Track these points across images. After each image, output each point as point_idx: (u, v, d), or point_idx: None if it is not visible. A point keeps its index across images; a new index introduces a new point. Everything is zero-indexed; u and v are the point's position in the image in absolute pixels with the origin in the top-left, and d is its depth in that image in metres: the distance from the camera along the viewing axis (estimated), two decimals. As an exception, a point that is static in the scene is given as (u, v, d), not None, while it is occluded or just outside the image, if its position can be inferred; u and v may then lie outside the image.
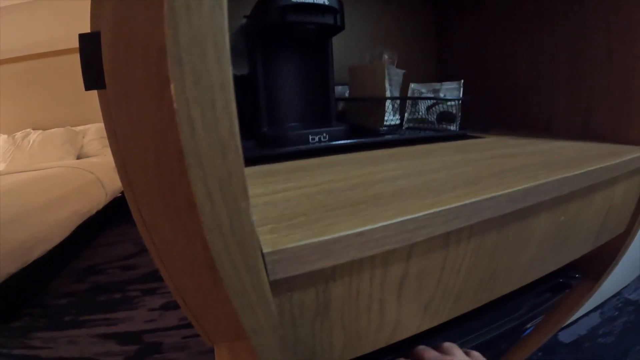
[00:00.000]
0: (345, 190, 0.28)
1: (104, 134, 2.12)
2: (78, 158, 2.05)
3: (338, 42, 0.63)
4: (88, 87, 0.61)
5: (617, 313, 1.21)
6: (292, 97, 0.54)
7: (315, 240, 0.19)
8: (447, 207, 0.24)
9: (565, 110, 0.66)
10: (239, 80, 0.55)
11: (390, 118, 0.65)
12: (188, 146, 0.13)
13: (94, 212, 1.71)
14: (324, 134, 0.44)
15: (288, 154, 0.41)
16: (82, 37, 0.62)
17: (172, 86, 0.13)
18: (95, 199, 1.72)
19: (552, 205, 0.37)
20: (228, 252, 0.16)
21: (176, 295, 0.97)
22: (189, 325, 1.26)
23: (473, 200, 0.25)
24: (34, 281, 1.41)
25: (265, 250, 0.18)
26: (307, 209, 0.24)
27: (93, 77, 0.62)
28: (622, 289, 1.33)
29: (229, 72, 0.13)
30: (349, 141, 0.45)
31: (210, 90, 0.13)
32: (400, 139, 0.52)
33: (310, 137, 0.43)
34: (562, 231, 0.42)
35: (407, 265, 0.26)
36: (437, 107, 0.67)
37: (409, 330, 0.33)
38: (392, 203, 0.25)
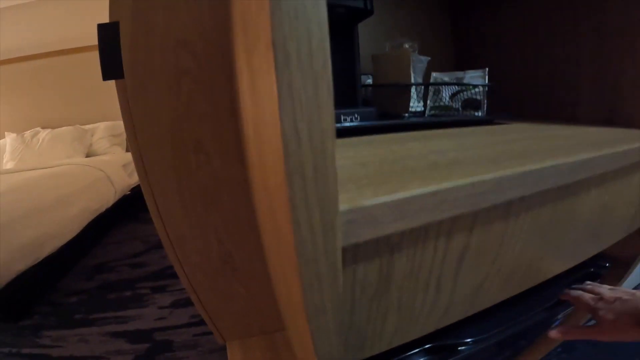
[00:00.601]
0: (398, 160, 0.27)
1: (113, 132, 2.14)
2: (87, 156, 2.05)
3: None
4: (106, 77, 0.60)
5: (636, 309, 1.18)
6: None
7: (391, 199, 0.17)
8: (516, 171, 0.22)
9: (591, 98, 0.64)
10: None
11: (415, 105, 0.63)
12: (281, 79, 0.12)
13: (103, 209, 1.70)
14: (355, 115, 0.43)
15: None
16: (101, 27, 0.61)
17: (270, 21, 0.12)
18: (104, 197, 1.71)
19: (599, 182, 0.36)
20: (306, 204, 0.14)
21: (190, 291, 0.95)
22: (199, 323, 1.24)
23: (538, 167, 0.24)
24: (44, 279, 1.40)
25: (342, 209, 0.16)
26: (366, 173, 0.22)
27: (111, 66, 0.61)
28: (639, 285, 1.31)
29: (324, 11, 0.13)
30: (380, 122, 0.44)
31: (307, 25, 0.12)
32: (431, 121, 0.51)
33: (342, 117, 0.42)
34: (605, 212, 0.41)
35: (469, 237, 0.24)
36: (461, 94, 0.66)
37: (457, 315, 0.31)
38: (453, 170, 0.23)
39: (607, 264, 0.67)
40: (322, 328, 0.20)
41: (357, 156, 0.29)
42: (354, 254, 0.20)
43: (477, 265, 0.27)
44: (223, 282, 0.91)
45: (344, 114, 0.42)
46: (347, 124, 0.41)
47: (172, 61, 0.63)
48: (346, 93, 0.56)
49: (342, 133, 0.42)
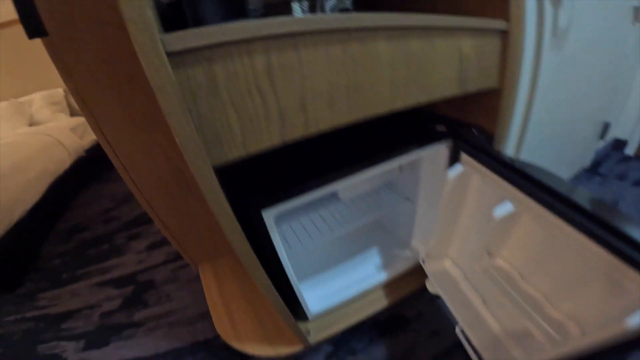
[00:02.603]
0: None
1: (51, 100, 2.12)
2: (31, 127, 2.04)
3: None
4: (31, 36, 0.65)
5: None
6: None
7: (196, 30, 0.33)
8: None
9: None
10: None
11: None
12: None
13: (61, 171, 1.76)
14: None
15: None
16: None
17: None
18: (59, 159, 1.77)
19: (387, 37, 0.48)
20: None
21: (154, 217, 1.08)
22: (175, 259, 1.34)
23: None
24: (24, 248, 1.47)
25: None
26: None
27: (33, 26, 0.66)
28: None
29: None
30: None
31: None
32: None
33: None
34: (413, 62, 0.53)
35: (268, 58, 0.40)
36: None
37: (296, 129, 0.45)
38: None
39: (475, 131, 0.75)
40: (170, 106, 0.34)
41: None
42: (182, 61, 0.35)
43: (289, 81, 0.41)
44: (179, 200, 1.02)
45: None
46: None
47: (94, 16, 0.69)
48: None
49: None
